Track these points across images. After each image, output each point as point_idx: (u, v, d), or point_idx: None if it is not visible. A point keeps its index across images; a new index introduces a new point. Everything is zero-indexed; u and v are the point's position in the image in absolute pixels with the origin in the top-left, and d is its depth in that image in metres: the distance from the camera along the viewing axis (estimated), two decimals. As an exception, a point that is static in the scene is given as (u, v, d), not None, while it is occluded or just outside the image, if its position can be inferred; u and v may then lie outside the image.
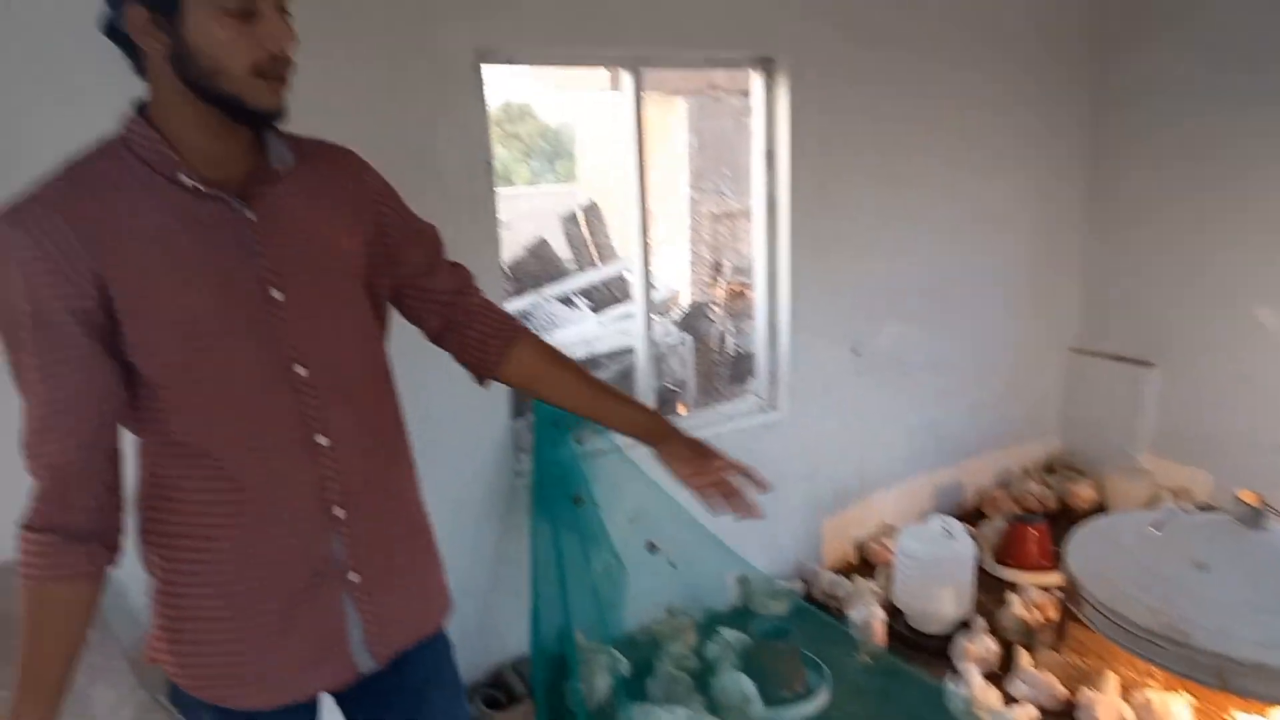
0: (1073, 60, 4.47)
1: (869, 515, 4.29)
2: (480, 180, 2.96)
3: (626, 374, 4.03)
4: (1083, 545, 3.22)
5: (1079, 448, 4.87)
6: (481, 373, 1.61)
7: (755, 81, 3.66)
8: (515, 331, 1.60)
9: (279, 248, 1.29)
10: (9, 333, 1.19)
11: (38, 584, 1.23)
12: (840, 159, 3.77)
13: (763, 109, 3.66)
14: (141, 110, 1.25)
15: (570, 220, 5.45)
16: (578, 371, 1.65)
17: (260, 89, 1.20)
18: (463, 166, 2.91)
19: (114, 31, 1.22)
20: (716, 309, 5.02)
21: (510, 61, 2.99)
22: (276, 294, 1.28)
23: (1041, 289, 4.68)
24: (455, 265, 1.58)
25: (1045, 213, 4.58)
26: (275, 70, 1.21)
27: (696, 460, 1.56)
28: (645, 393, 3.66)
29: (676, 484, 1.58)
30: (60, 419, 1.21)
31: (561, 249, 5.46)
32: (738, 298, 4.97)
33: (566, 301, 4.73)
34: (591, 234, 5.40)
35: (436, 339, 1.60)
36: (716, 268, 5.57)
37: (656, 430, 1.60)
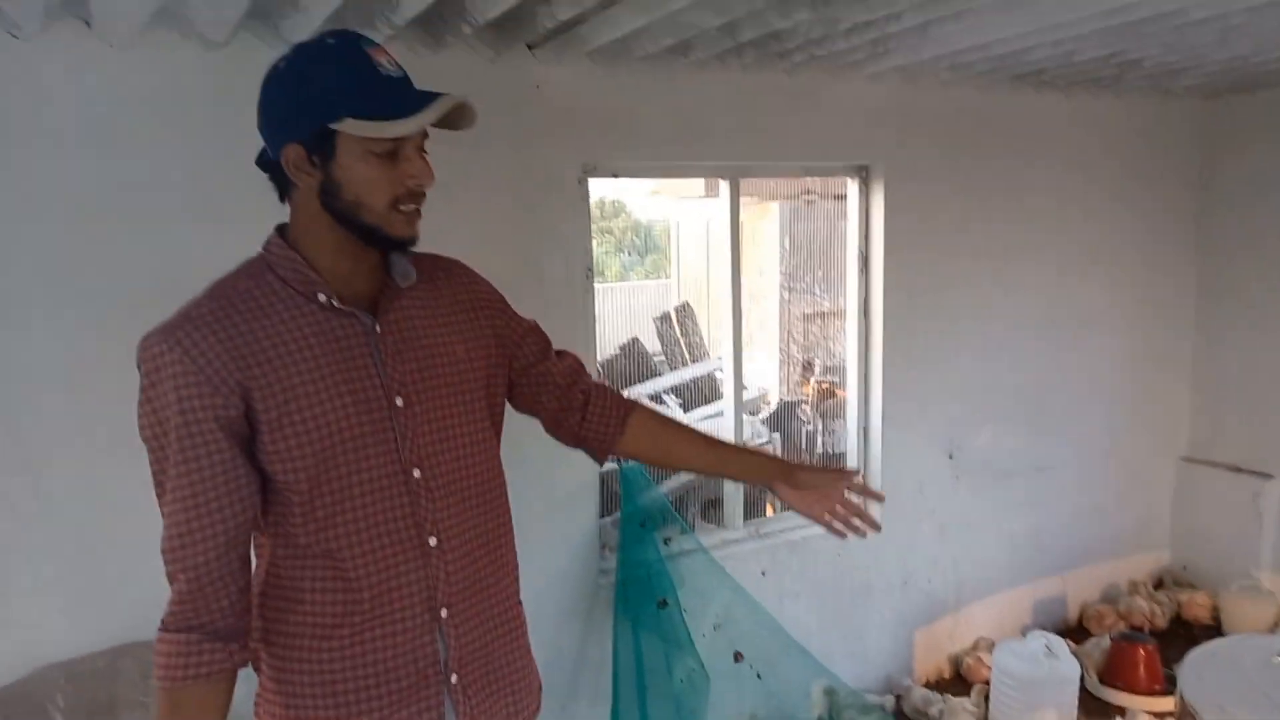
0: (1178, 161, 4.42)
1: (964, 628, 4.12)
2: (580, 285, 3.08)
3: (715, 472, 4.04)
4: (1199, 670, 3.02)
5: (1192, 563, 4.61)
6: (603, 447, 1.68)
7: (850, 187, 3.73)
8: (630, 404, 1.69)
9: (401, 357, 1.39)
10: (157, 441, 1.29)
11: (177, 684, 1.28)
12: (935, 261, 3.78)
13: (857, 213, 3.73)
14: (282, 233, 1.38)
15: (663, 319, 5.56)
16: (691, 432, 1.76)
17: (398, 220, 1.32)
18: (565, 272, 3.04)
19: (266, 164, 1.36)
20: (806, 408, 5.00)
21: (614, 175, 3.14)
22: (399, 401, 1.37)
23: (1149, 393, 4.52)
24: (563, 352, 1.69)
25: (1151, 314, 4.47)
26: (412, 204, 1.33)
27: (812, 491, 1.68)
28: (733, 491, 3.65)
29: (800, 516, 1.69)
30: (201, 524, 1.27)
31: (651, 341, 5.58)
32: (828, 397, 4.95)
33: (657, 399, 4.80)
34: (683, 333, 5.49)
35: (554, 424, 1.68)
36: (807, 367, 5.57)
37: (774, 469, 1.72)
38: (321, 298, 1.33)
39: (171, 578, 1.30)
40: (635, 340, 5.26)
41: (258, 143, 2.15)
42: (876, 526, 1.69)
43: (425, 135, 1.33)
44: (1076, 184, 4.11)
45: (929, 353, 3.84)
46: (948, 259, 3.82)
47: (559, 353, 1.67)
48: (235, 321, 1.28)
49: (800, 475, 1.68)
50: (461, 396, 1.46)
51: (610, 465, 3.64)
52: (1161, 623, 4.25)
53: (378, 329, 1.37)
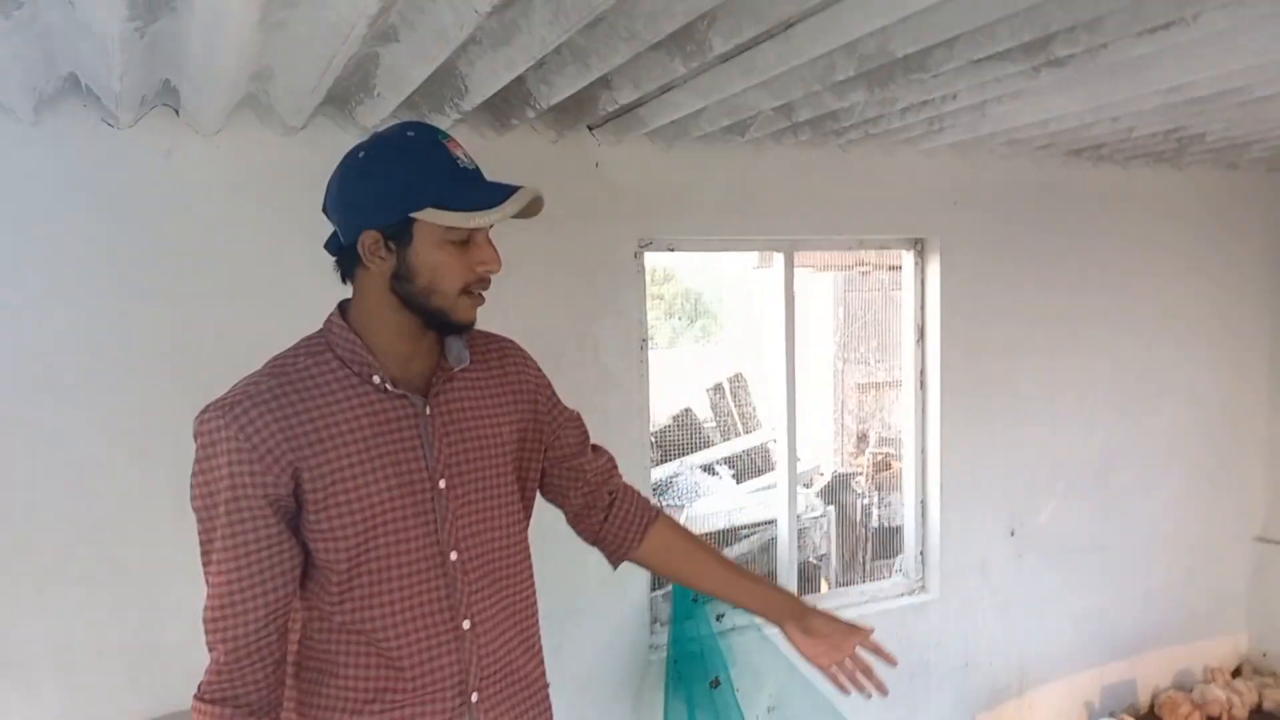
0: (1247, 232, 4.35)
1: (1029, 713, 3.96)
2: (634, 356, 3.11)
3: (768, 547, 3.98)
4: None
5: (1272, 649, 4.38)
6: (618, 553, 1.69)
7: (906, 258, 3.73)
8: (655, 512, 1.70)
9: (448, 440, 1.42)
10: (207, 513, 1.33)
11: None
12: (994, 332, 3.74)
13: (913, 285, 3.72)
14: (344, 312, 1.42)
15: (716, 389, 5.56)
16: (710, 551, 1.72)
17: (465, 305, 1.36)
18: (620, 343, 3.08)
19: (335, 246, 1.41)
20: (861, 480, 4.93)
21: (670, 249, 3.19)
22: (442, 484, 1.40)
23: (1221, 470, 4.37)
24: (599, 448, 1.70)
25: (1223, 388, 4.35)
26: (481, 290, 1.38)
27: (823, 640, 1.59)
28: (787, 566, 3.60)
29: (805, 662, 1.61)
30: (243, 597, 1.31)
31: (703, 409, 5.57)
32: (883, 469, 4.88)
33: (709, 469, 4.78)
34: (736, 404, 5.48)
35: (576, 519, 1.69)
36: (861, 438, 5.50)
37: (787, 609, 1.64)
38: (376, 380, 1.37)
39: (210, 647, 1.34)
40: (688, 410, 5.26)
41: (329, 223, 2.20)
42: (884, 691, 1.59)
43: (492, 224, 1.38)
44: (1139, 256, 4.05)
45: (989, 426, 3.78)
46: (1007, 331, 3.78)
47: (594, 448, 1.69)
48: (291, 399, 1.32)
49: (814, 621, 1.61)
50: (501, 480, 1.49)
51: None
52: (1241, 713, 4.04)
53: (428, 411, 1.40)
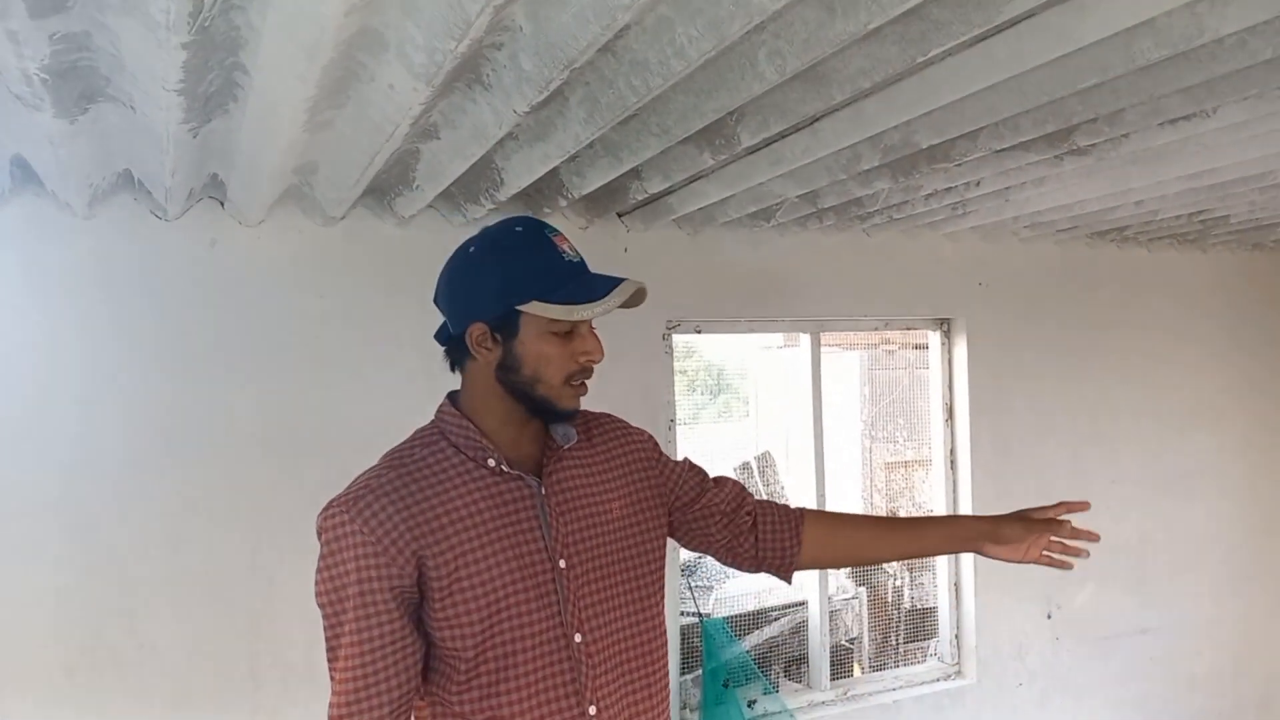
0: (1273, 318, 4.32)
1: (1075, 807, 3.80)
2: (663, 436, 3.12)
3: (799, 629, 3.91)
4: None
5: (1328, 741, 4.21)
6: (785, 566, 1.62)
7: (932, 338, 3.75)
8: (799, 514, 1.64)
9: (564, 519, 1.40)
10: (333, 609, 1.32)
11: None
12: (1023, 413, 3.73)
13: (940, 365, 3.72)
14: (454, 400, 1.45)
15: (743, 468, 5.54)
16: (871, 521, 1.72)
17: (569, 394, 1.38)
18: (649, 423, 3.06)
19: (446, 339, 1.45)
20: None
21: (698, 331, 3.24)
22: (562, 563, 1.38)
23: (1259, 556, 4.27)
24: (722, 479, 1.66)
25: (1260, 472, 4.27)
26: (582, 379, 1.39)
27: (1020, 544, 1.66)
28: (819, 649, 3.53)
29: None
30: (371, 692, 1.29)
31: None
32: (914, 549, 4.82)
33: (738, 549, 4.74)
34: (764, 482, 5.45)
35: (729, 554, 1.63)
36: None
37: (976, 536, 1.68)
38: (491, 463, 1.37)
39: None
40: (715, 488, 5.26)
41: (368, 307, 2.30)
42: (1095, 536, 1.69)
43: None
44: (1166, 343, 4.05)
45: (1020, 505, 3.70)
46: (1038, 411, 3.76)
47: (718, 480, 1.65)
48: (412, 490, 1.33)
49: (1004, 531, 1.67)
50: (622, 556, 1.46)
51: (691, 619, 3.56)
52: (1298, 810, 3.85)
53: (543, 490, 1.40)
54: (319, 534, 1.34)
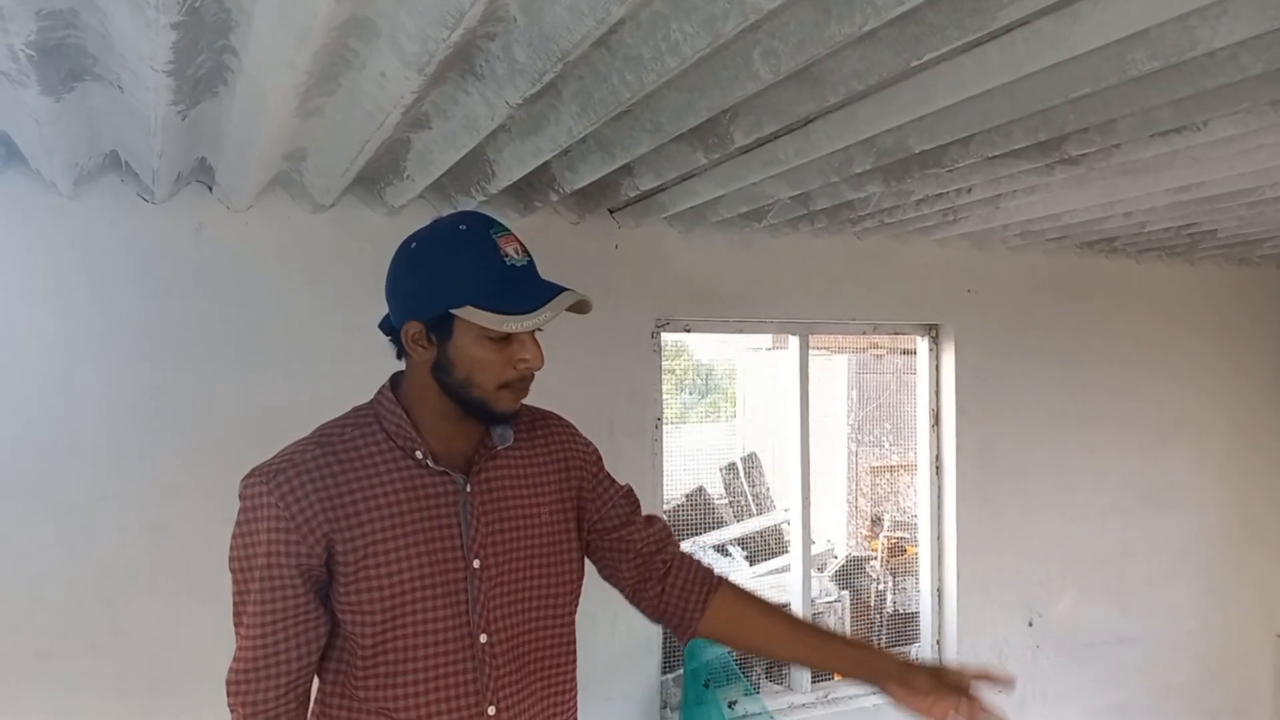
0: (1261, 328, 4.35)
1: (1049, 814, 3.82)
2: (650, 434, 3.12)
3: (780, 629, 3.91)
4: None
5: (1301, 754, 4.24)
6: (682, 625, 1.57)
7: (920, 344, 3.76)
8: (716, 580, 1.57)
9: (486, 519, 1.40)
10: (242, 575, 1.34)
11: None
12: (1009, 421, 3.74)
13: (927, 370, 3.73)
14: (395, 385, 1.43)
15: (729, 469, 5.54)
16: (786, 618, 1.61)
17: (505, 398, 1.35)
18: (635, 421, 3.09)
19: (388, 328, 1.43)
20: (875, 564, 4.87)
21: (686, 330, 3.23)
22: (476, 563, 1.38)
23: (1241, 566, 4.29)
24: (653, 517, 1.61)
25: (1242, 485, 4.30)
26: (520, 385, 1.36)
27: (930, 694, 1.44)
28: (800, 653, 3.53)
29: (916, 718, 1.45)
30: (270, 660, 1.31)
31: (714, 487, 5.53)
32: (898, 553, 4.82)
33: (721, 550, 4.73)
34: (750, 483, 5.45)
35: (634, 593, 1.59)
36: (875, 521, 5.45)
37: (885, 669, 1.49)
38: (419, 455, 1.37)
39: (231, 709, 1.34)
40: (701, 489, 5.23)
41: (355, 297, 2.29)
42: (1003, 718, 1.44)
43: None
44: (1152, 356, 4.07)
45: (1005, 513, 3.74)
46: (1024, 419, 3.77)
47: (649, 518, 1.60)
48: (334, 471, 1.33)
49: (917, 678, 1.46)
50: (541, 561, 1.45)
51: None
52: (1270, 821, 3.88)
53: (468, 489, 1.39)
54: (240, 498, 1.34)
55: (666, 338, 3.24)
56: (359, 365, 2.66)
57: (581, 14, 1.31)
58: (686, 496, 5.09)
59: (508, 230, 1.35)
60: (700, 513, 5.10)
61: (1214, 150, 2.18)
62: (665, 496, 3.47)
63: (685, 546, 4.73)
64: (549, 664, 1.47)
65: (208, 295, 2.48)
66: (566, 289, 1.34)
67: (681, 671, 3.35)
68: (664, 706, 3.23)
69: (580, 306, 1.37)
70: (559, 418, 1.60)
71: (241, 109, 1.77)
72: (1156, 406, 4.09)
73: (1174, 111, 1.91)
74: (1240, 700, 4.30)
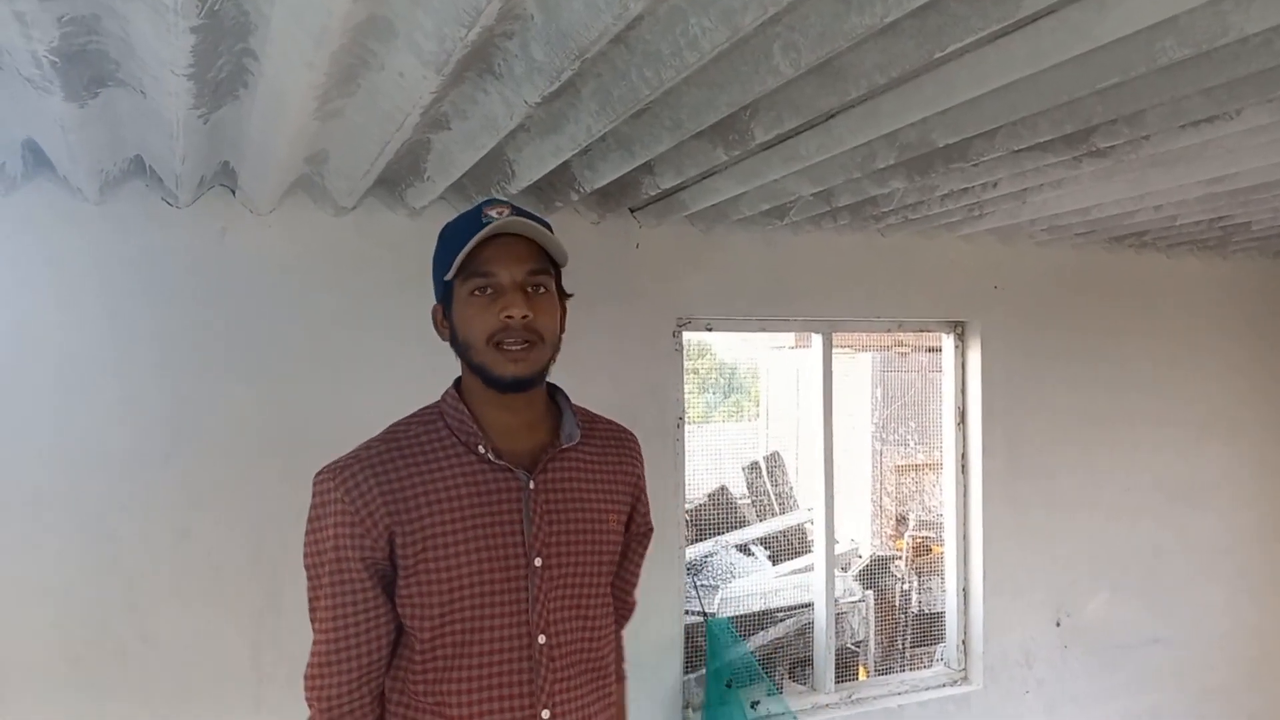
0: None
1: (1081, 817, 3.76)
2: (671, 433, 3.10)
3: (804, 631, 3.88)
4: None
5: (1340, 757, 4.15)
6: None
7: (946, 342, 3.71)
8: (617, 676, 1.58)
9: (549, 518, 1.38)
10: (315, 571, 1.35)
11: None
12: (1037, 417, 3.69)
13: (953, 368, 3.69)
14: (458, 386, 1.44)
15: (752, 468, 5.50)
16: None
17: (499, 360, 1.32)
18: (657, 420, 3.07)
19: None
20: (899, 564, 4.82)
21: (709, 329, 3.21)
22: (538, 561, 1.36)
23: (1275, 565, 4.20)
24: (633, 591, 1.63)
25: (1272, 484, 4.21)
26: (508, 340, 1.32)
27: None
28: (824, 651, 3.50)
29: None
30: (341, 655, 1.33)
31: (737, 486, 5.51)
32: (923, 553, 4.77)
33: (744, 549, 4.71)
34: (773, 483, 5.41)
35: None
36: (900, 521, 5.40)
37: None
38: (481, 449, 1.36)
39: (309, 702, 1.35)
40: (724, 489, 5.20)
41: (378, 299, 2.27)
42: None
43: (539, 273, 1.35)
44: (1183, 352, 4.00)
45: (1032, 511, 3.69)
46: (1051, 417, 3.72)
47: (631, 596, 1.62)
48: (399, 466, 1.34)
49: None
50: (599, 564, 1.44)
51: (696, 618, 3.54)
52: (1308, 826, 3.80)
53: (531, 486, 1.38)
54: (312, 497, 1.36)
55: (689, 337, 3.22)
56: (383, 368, 2.68)
57: (599, 10, 1.30)
58: (709, 496, 5.07)
59: (502, 201, 1.37)
60: (723, 512, 5.07)
61: (1247, 140, 2.13)
62: (688, 496, 3.45)
63: (707, 546, 4.69)
64: (600, 670, 1.45)
65: (232, 299, 2.50)
66: (512, 219, 1.33)
67: (704, 671, 3.34)
68: (686, 706, 3.22)
69: (555, 251, 1.38)
70: (630, 432, 1.60)
71: (262, 111, 1.77)
72: (1188, 404, 4.01)
73: (1205, 100, 1.86)
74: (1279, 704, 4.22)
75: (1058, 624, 3.76)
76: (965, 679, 3.67)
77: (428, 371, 2.52)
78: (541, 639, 1.36)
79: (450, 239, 1.36)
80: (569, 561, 1.39)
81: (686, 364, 3.26)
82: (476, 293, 1.33)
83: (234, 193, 2.47)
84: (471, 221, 1.34)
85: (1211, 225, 3.31)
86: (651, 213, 2.91)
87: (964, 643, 3.69)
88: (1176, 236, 3.59)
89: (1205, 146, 2.19)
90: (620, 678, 1.60)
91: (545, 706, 1.36)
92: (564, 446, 1.42)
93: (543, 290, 1.36)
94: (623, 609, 1.60)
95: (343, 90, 1.70)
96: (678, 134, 1.93)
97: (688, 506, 3.80)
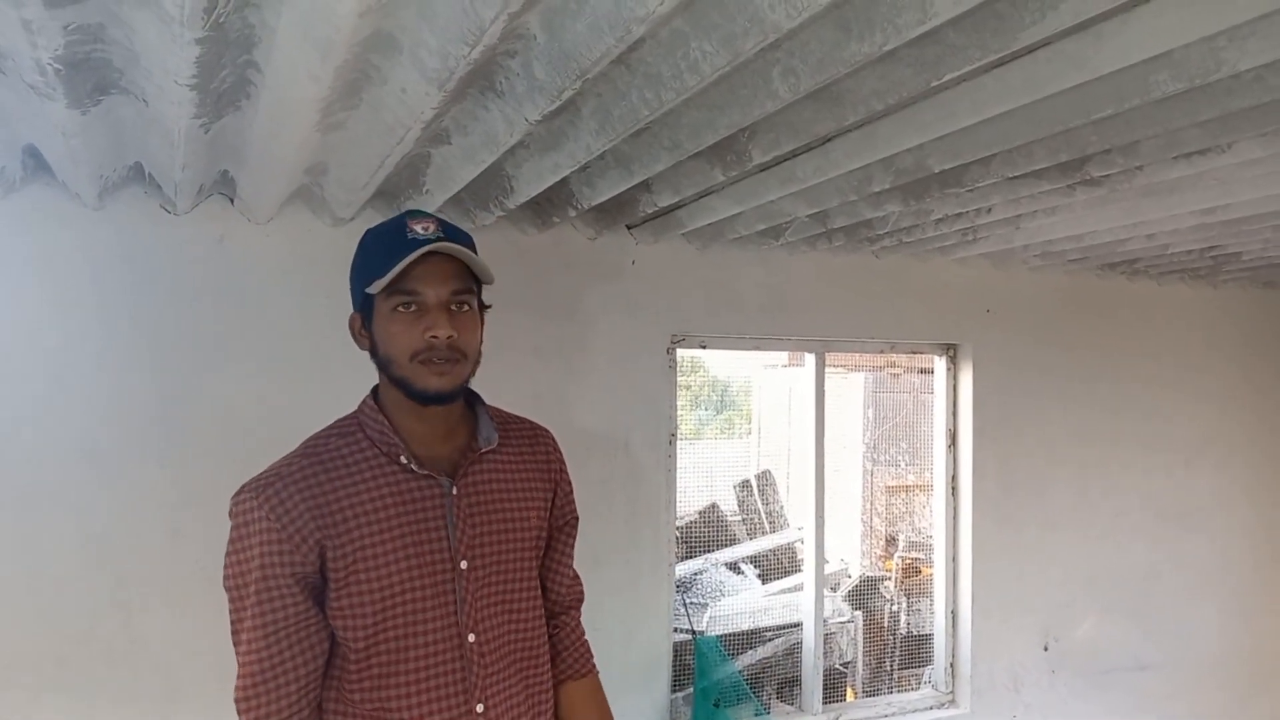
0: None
1: (1066, 844, 3.75)
2: (663, 450, 3.11)
3: (792, 651, 3.87)
4: None
5: (1325, 787, 4.15)
6: None
7: (938, 364, 3.73)
8: (584, 670, 1.64)
9: (472, 521, 1.42)
10: (237, 591, 1.34)
11: None
12: (1028, 440, 3.71)
13: (945, 390, 3.70)
14: (376, 396, 1.46)
15: (743, 486, 5.51)
16: None
17: (421, 373, 1.35)
18: (650, 435, 3.08)
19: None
20: (889, 585, 4.82)
21: (702, 346, 3.22)
22: (463, 564, 1.40)
23: (1271, 589, 4.22)
24: (576, 577, 1.67)
25: (1263, 511, 4.23)
26: (433, 357, 1.34)
27: None
28: (812, 672, 3.49)
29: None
30: (276, 673, 1.32)
31: (727, 503, 5.51)
32: (912, 574, 4.77)
33: (734, 567, 4.71)
34: (763, 501, 5.42)
35: None
36: (890, 541, 5.40)
37: None
38: (403, 459, 1.38)
39: None
40: (714, 506, 5.21)
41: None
42: None
43: (465, 292, 1.37)
44: (1174, 377, 4.02)
45: (1021, 534, 3.70)
46: (1042, 440, 3.74)
47: (574, 576, 1.65)
48: (321, 479, 1.35)
49: None
50: (524, 562, 1.49)
51: (684, 637, 3.53)
52: None
53: (454, 491, 1.41)
54: (230, 517, 1.36)
55: (682, 354, 3.23)
56: (375, 374, 2.66)
57: (602, 32, 1.31)
58: (699, 513, 5.07)
59: (428, 215, 1.38)
60: (713, 530, 5.08)
61: (1240, 172, 2.16)
62: (678, 513, 3.45)
63: (697, 564, 4.68)
64: (530, 662, 1.50)
65: (228, 306, 2.50)
66: (440, 243, 1.33)
67: (691, 690, 3.33)
68: (674, 726, 3.21)
69: (481, 273, 1.38)
70: (544, 429, 1.64)
71: (264, 122, 1.78)
72: (1180, 428, 4.04)
73: (1199, 133, 1.89)
74: (1265, 729, 4.22)
75: (1045, 648, 3.76)
76: (953, 702, 3.66)
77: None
78: (471, 637, 1.40)
79: (373, 250, 1.37)
80: (493, 562, 1.43)
81: (679, 380, 3.27)
82: (400, 309, 1.34)
83: (232, 201, 2.48)
84: (396, 234, 1.35)
85: (1203, 255, 3.34)
86: (648, 230, 2.92)
87: (952, 665, 3.69)
88: (1168, 265, 3.62)
89: (1198, 178, 2.22)
90: (587, 669, 1.64)
91: (479, 700, 1.40)
92: (482, 450, 1.45)
93: (465, 308, 1.39)
94: (563, 595, 1.62)
95: (345, 103, 1.71)
96: (676, 154, 1.95)
97: (678, 523, 3.80)
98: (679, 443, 3.21)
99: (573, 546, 1.65)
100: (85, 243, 2.36)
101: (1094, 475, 3.85)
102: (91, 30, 1.41)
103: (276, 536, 1.31)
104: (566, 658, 1.62)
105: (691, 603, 4.17)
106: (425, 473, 1.39)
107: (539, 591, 1.54)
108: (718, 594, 4.39)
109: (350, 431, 1.42)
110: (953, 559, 3.69)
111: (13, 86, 1.65)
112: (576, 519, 1.65)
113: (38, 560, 2.35)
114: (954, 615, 3.69)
